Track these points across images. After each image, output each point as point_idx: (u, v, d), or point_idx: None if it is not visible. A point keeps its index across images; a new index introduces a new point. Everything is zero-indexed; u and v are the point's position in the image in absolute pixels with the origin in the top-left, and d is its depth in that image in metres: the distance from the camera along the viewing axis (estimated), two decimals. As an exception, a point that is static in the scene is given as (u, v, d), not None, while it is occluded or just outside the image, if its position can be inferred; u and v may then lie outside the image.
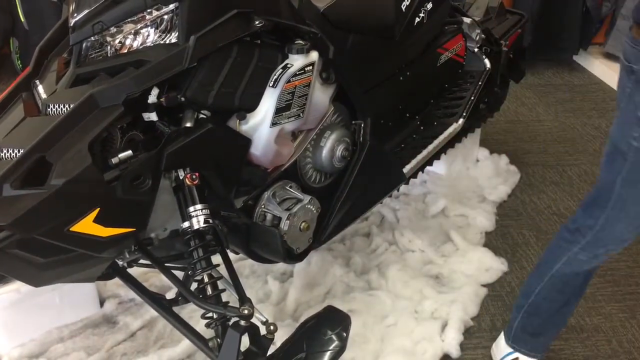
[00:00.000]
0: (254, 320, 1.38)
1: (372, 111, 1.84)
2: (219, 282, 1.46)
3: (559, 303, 1.65)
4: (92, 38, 1.36)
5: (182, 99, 1.35)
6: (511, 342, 1.76)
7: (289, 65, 1.50)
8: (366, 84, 1.85)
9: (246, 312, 1.35)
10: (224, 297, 1.45)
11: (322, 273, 2.13)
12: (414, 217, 2.43)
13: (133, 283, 1.60)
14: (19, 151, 1.24)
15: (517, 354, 1.77)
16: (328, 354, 1.41)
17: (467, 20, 2.32)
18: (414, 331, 1.91)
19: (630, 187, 1.41)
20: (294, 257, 1.67)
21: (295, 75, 1.51)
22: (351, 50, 1.76)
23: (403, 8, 1.93)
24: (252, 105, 1.49)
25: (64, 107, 1.30)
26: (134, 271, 1.64)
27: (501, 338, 1.82)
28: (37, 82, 1.45)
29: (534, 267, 1.71)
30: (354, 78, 1.76)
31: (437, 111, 2.28)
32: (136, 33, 1.36)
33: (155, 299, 1.56)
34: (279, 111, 1.50)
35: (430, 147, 2.10)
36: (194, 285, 1.47)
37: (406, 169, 2.01)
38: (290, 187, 1.66)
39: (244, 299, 1.40)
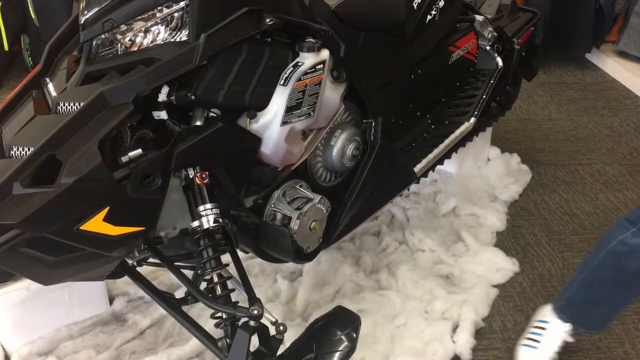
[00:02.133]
0: (263, 320, 1.37)
1: (383, 110, 1.82)
2: (228, 281, 1.45)
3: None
4: (103, 36, 1.36)
5: (193, 97, 1.35)
6: (558, 313, 1.77)
7: (299, 64, 1.49)
8: (377, 82, 1.84)
9: (256, 312, 1.34)
10: (234, 296, 1.44)
11: (332, 272, 2.12)
12: (424, 216, 2.42)
13: (142, 282, 1.59)
14: (29, 149, 1.24)
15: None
16: (338, 354, 1.39)
17: (479, 17, 2.30)
18: (424, 332, 1.90)
19: None
20: (303, 256, 1.66)
21: (306, 73, 1.50)
22: (362, 48, 1.74)
23: (415, 5, 1.92)
24: (262, 103, 1.48)
25: (74, 105, 1.30)
26: (143, 270, 1.64)
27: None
28: (47, 79, 1.45)
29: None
30: (365, 76, 1.74)
31: (448, 110, 2.26)
32: (146, 31, 1.35)
33: (165, 298, 1.56)
34: (289, 110, 1.49)
35: (442, 146, 2.08)
36: (203, 285, 1.47)
37: (417, 168, 2.00)
38: (301, 186, 1.65)
39: (253, 299, 1.39)
